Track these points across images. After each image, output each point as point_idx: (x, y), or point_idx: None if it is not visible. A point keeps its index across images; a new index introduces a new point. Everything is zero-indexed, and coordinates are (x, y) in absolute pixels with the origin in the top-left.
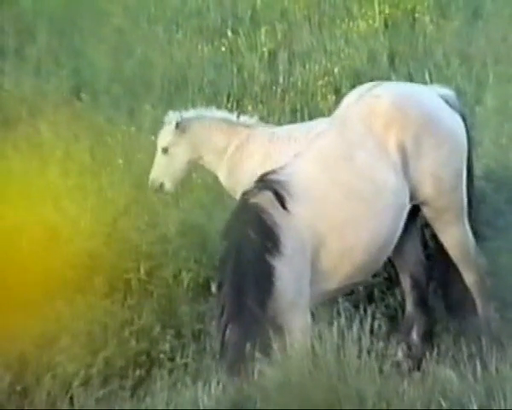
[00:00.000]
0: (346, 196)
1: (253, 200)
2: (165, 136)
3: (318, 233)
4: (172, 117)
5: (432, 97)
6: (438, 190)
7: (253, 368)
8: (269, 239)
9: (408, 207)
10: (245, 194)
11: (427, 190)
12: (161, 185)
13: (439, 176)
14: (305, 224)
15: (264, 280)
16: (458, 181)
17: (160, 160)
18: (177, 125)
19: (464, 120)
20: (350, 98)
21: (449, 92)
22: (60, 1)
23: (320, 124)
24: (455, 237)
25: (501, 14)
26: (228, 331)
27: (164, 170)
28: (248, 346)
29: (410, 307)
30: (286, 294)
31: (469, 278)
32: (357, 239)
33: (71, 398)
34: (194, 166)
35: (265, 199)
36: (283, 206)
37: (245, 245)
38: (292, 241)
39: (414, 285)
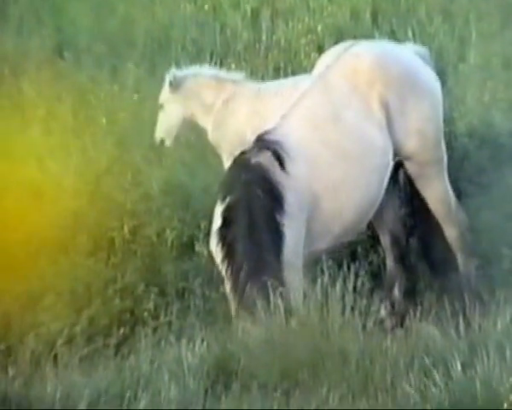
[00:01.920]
0: (337, 156)
1: (254, 159)
2: (162, 93)
3: (314, 194)
4: (168, 77)
5: (409, 55)
6: (422, 145)
7: (237, 326)
8: (276, 198)
9: (391, 164)
10: (244, 153)
11: (411, 146)
12: (162, 141)
13: (423, 131)
14: (302, 184)
15: (278, 237)
16: (440, 135)
17: (160, 117)
18: (170, 82)
19: (439, 76)
20: (327, 58)
21: (423, 50)
22: None
23: (304, 81)
24: (437, 191)
25: None
26: (248, 287)
27: (162, 126)
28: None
29: (390, 264)
30: (288, 252)
31: (451, 233)
32: (348, 199)
33: (55, 356)
34: (191, 123)
35: (266, 159)
36: (282, 166)
37: (255, 204)
38: (292, 201)
39: (393, 242)
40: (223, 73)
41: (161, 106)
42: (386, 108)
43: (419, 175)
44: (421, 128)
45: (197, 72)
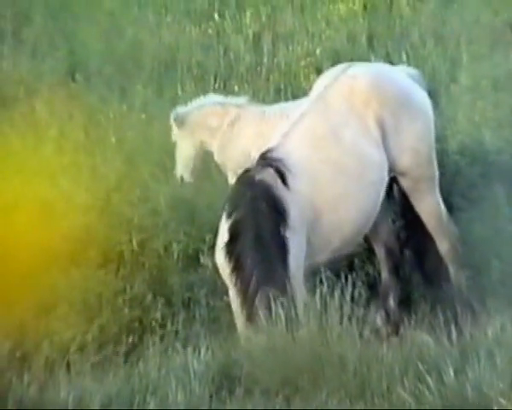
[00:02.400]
0: (336, 173)
1: (258, 176)
2: (173, 132)
3: (315, 209)
4: (173, 115)
5: (403, 77)
6: (415, 162)
7: (241, 336)
8: (280, 213)
9: (387, 179)
10: (248, 171)
11: (405, 162)
12: (181, 178)
13: (416, 148)
14: (303, 200)
15: (283, 250)
16: (432, 153)
17: (176, 155)
18: (175, 120)
19: (430, 97)
20: (325, 79)
21: (416, 72)
22: None
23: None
24: (430, 204)
25: None
26: (258, 296)
27: (179, 163)
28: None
29: (385, 274)
30: (291, 264)
31: (443, 245)
32: (347, 213)
33: (68, 363)
34: (202, 153)
35: (269, 176)
36: (284, 182)
37: (261, 218)
38: (295, 215)
39: (388, 254)
40: (226, 99)
41: (175, 144)
42: (381, 126)
43: (412, 190)
44: (414, 146)
45: (201, 103)
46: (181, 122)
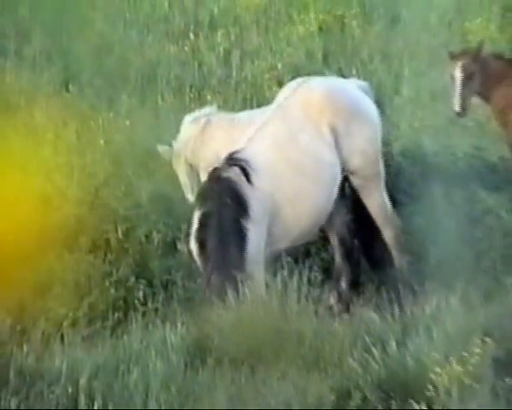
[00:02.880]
0: (295, 173)
1: (224, 174)
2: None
3: (275, 203)
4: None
5: (353, 88)
6: (364, 162)
7: (211, 311)
8: (241, 206)
9: (339, 178)
10: (216, 169)
11: (355, 163)
12: (188, 200)
13: (365, 151)
14: (265, 195)
15: (241, 238)
16: (378, 155)
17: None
18: (163, 156)
19: (377, 106)
20: (286, 91)
21: (365, 84)
22: (52, 9)
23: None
24: (376, 199)
25: (414, 20)
26: (213, 277)
27: (183, 188)
28: (230, 287)
29: (338, 260)
30: (251, 251)
31: (388, 234)
32: (304, 208)
33: (61, 336)
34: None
35: (235, 173)
36: (248, 180)
37: (224, 210)
38: (256, 209)
39: (340, 243)
40: (197, 113)
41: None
42: (334, 132)
43: (362, 187)
44: (363, 148)
45: (180, 130)
46: (170, 155)
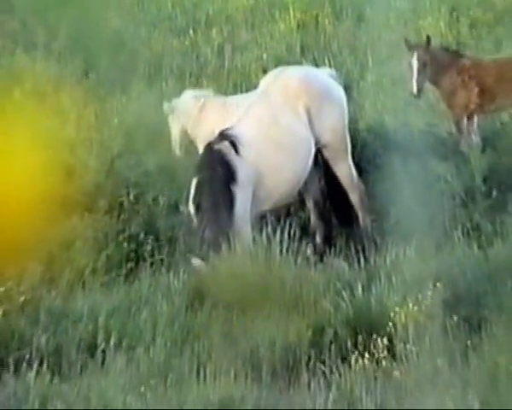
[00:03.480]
0: (276, 147)
1: (217, 146)
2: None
3: (259, 172)
4: (164, 107)
5: (325, 76)
6: (334, 138)
7: (208, 262)
8: (231, 173)
9: (313, 151)
10: (210, 143)
11: (326, 138)
12: (175, 153)
13: (334, 128)
14: (250, 165)
15: (230, 201)
16: (346, 131)
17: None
18: (165, 111)
19: (345, 90)
20: (268, 78)
21: (334, 72)
22: (75, 10)
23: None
24: (344, 168)
25: (377, 19)
26: (206, 232)
27: (172, 141)
28: (221, 240)
29: (313, 219)
30: (239, 211)
31: (354, 198)
32: (283, 176)
33: (83, 283)
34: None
35: (225, 146)
36: (236, 152)
37: (215, 177)
38: (243, 176)
39: (315, 204)
40: (197, 92)
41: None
42: (308, 112)
43: (332, 158)
44: (332, 126)
45: (181, 98)
46: (170, 112)
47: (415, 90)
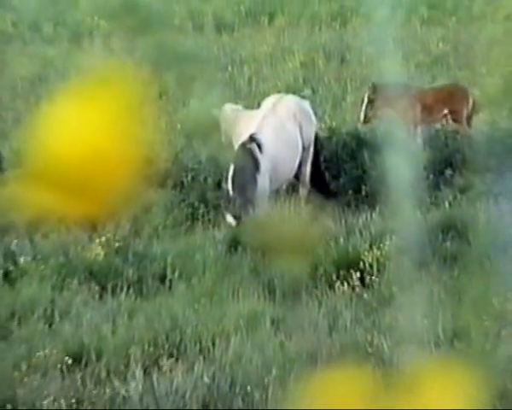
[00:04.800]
0: (284, 146)
1: (248, 146)
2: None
3: (274, 164)
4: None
5: (307, 103)
6: (309, 143)
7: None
8: (256, 165)
9: (301, 150)
10: (243, 143)
11: (306, 143)
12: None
13: (310, 137)
14: (269, 159)
15: (254, 183)
16: (313, 138)
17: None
18: (214, 116)
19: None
20: (271, 99)
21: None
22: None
23: (264, 112)
24: (309, 166)
25: (354, 60)
26: (238, 201)
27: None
28: (248, 206)
29: (300, 190)
30: (260, 189)
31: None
32: (288, 166)
33: (158, 235)
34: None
35: (253, 146)
36: (260, 150)
37: (246, 167)
38: (264, 167)
39: (303, 183)
40: (233, 106)
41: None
42: (300, 125)
43: (306, 157)
44: (310, 136)
45: (223, 108)
46: (217, 117)
47: (361, 119)
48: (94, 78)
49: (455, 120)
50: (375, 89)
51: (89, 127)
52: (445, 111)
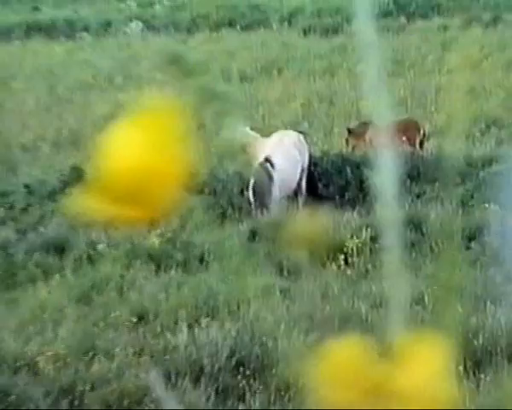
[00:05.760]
0: (291, 164)
1: (264, 164)
2: None
3: (283, 177)
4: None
5: (302, 136)
6: (304, 164)
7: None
8: (270, 179)
9: (300, 168)
10: (260, 163)
11: (304, 164)
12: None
13: (305, 159)
14: (280, 174)
15: (269, 192)
16: (307, 160)
17: None
18: (240, 138)
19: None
20: (278, 134)
21: (304, 133)
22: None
23: (276, 140)
24: (304, 180)
25: (339, 103)
26: (256, 205)
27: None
28: (263, 209)
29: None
30: (273, 197)
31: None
32: (292, 179)
33: (197, 228)
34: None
35: (268, 165)
36: (273, 167)
37: (263, 180)
38: (276, 179)
39: (300, 191)
40: (251, 132)
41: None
42: (299, 151)
43: (303, 170)
44: (305, 159)
45: (244, 131)
46: (242, 140)
47: (350, 149)
48: (150, 114)
49: (411, 145)
50: (348, 130)
51: (145, 151)
52: (404, 138)
